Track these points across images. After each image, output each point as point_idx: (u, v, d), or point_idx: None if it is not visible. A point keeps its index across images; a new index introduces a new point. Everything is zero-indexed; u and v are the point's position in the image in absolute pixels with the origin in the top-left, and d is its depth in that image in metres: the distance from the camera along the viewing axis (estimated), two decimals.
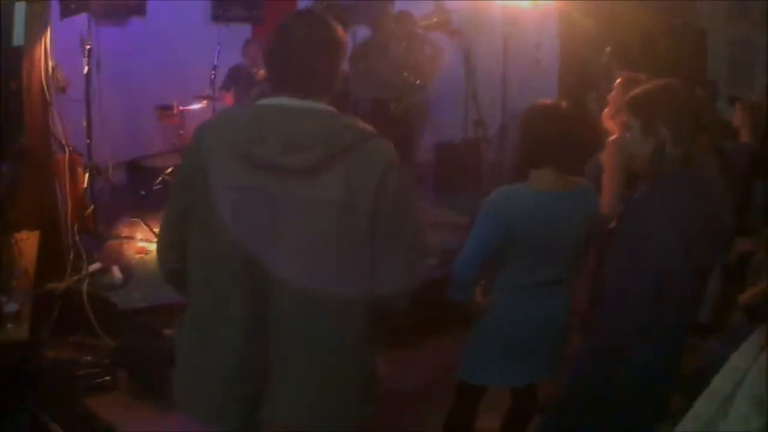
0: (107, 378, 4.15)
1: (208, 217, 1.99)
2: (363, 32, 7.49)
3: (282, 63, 2.05)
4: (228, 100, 7.29)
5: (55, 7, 4.73)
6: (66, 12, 4.69)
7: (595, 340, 2.69)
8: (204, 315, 2.08)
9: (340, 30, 2.08)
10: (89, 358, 4.27)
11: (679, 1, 5.30)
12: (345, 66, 2.13)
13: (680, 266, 2.40)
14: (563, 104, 2.89)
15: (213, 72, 7.13)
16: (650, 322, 2.45)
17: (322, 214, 1.95)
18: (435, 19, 7.24)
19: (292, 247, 1.96)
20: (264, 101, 2.06)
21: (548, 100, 2.95)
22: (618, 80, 3.70)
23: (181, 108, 7.21)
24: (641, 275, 2.44)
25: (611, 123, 3.66)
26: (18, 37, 4.28)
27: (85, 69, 5.42)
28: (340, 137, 1.97)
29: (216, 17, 8.07)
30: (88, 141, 5.61)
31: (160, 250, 2.21)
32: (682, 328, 2.60)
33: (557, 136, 2.78)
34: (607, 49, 5.02)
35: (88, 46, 5.33)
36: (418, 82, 6.99)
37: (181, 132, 7.26)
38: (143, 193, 6.92)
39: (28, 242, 4.08)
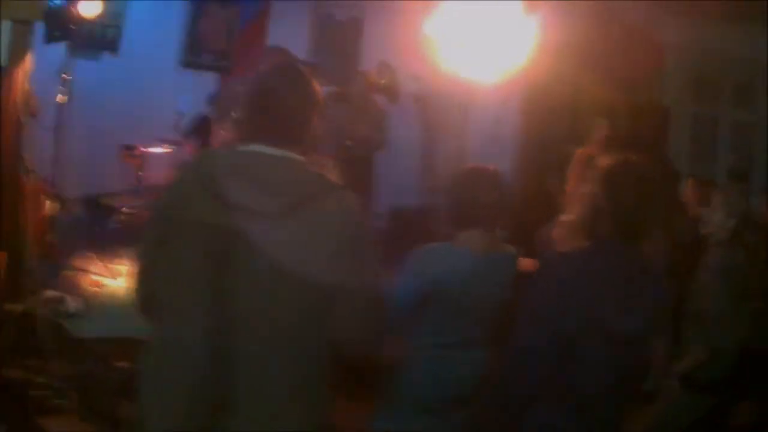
0: (58, 401, 4.09)
1: (180, 249, 2.06)
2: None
3: (261, 112, 2.15)
4: (190, 148, 7.01)
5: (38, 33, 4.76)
6: (50, 38, 4.75)
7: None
8: (168, 342, 2.09)
9: (317, 86, 2.19)
10: (41, 380, 4.21)
11: (644, 80, 5.54)
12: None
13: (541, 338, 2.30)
14: (492, 167, 2.93)
15: (177, 117, 7.08)
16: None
17: (287, 254, 2.02)
18: (383, 81, 6.93)
19: (257, 284, 2.02)
20: (242, 147, 2.14)
21: (477, 164, 3.01)
22: (575, 156, 3.51)
23: (143, 150, 7.19)
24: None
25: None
26: (2, 58, 4.32)
27: (61, 98, 5.44)
28: (310, 186, 2.10)
29: (186, 63, 8.09)
30: (54, 171, 5.60)
31: (136, 274, 2.23)
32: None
33: (484, 198, 2.82)
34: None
35: (67, 76, 5.38)
36: (349, 143, 6.67)
37: (141, 174, 7.20)
38: (98, 229, 6.84)
39: None
